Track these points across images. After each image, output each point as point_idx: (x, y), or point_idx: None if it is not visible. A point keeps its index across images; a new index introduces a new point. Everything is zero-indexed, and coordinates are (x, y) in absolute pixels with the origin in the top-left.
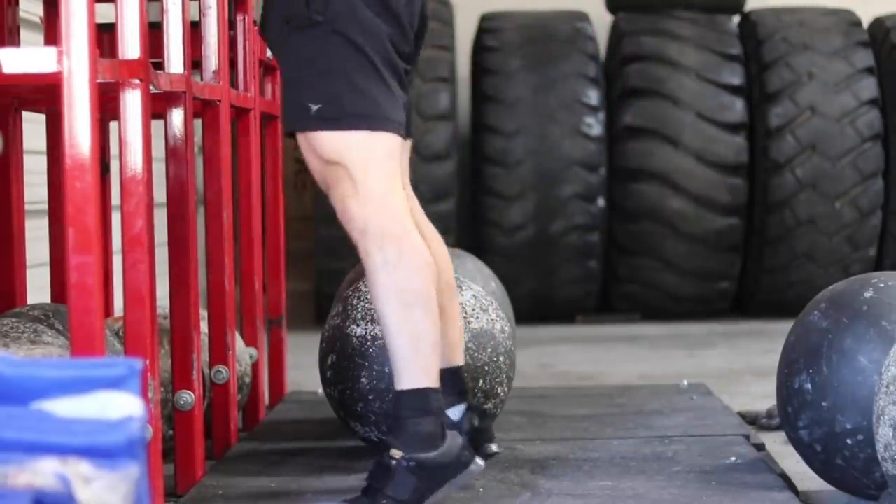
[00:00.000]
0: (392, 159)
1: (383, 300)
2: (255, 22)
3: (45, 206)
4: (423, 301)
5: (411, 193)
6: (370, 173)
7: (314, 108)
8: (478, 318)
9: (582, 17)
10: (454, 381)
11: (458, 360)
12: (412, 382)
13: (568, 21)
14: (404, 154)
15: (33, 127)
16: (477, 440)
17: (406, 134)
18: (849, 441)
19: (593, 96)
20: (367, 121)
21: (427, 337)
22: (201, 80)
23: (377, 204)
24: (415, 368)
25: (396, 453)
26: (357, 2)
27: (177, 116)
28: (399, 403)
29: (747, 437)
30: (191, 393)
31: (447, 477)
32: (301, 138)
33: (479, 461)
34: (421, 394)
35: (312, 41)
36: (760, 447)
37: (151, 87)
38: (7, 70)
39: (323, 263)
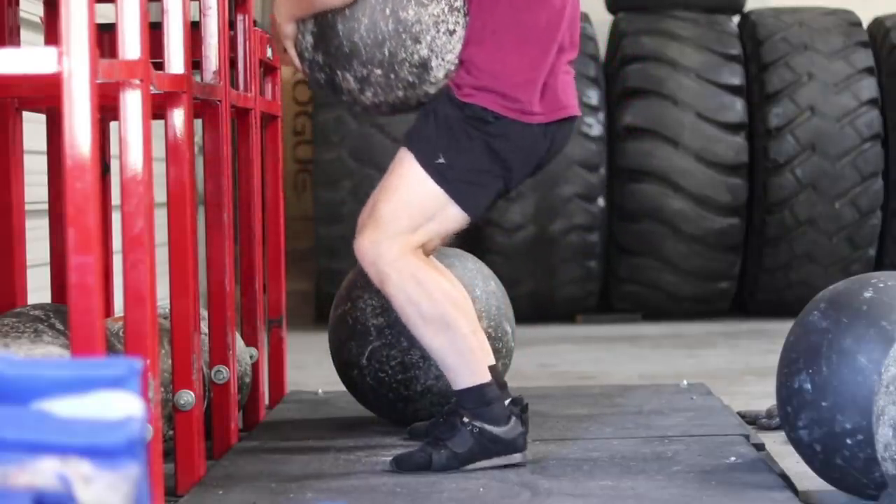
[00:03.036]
0: (436, 234)
1: (415, 329)
2: (254, 22)
3: (45, 206)
4: (448, 324)
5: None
6: (417, 237)
7: (442, 159)
8: None
9: (582, 17)
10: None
11: (490, 360)
12: (464, 382)
13: None
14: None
15: (33, 127)
16: None
17: None
18: (848, 441)
19: (593, 96)
20: (463, 198)
21: (463, 350)
22: (201, 80)
23: (395, 254)
24: (465, 373)
25: (466, 417)
26: (528, 126)
27: (177, 116)
28: (461, 400)
29: (747, 437)
30: (191, 393)
31: (499, 452)
32: (405, 158)
33: (528, 455)
34: (475, 389)
35: (473, 137)
36: (760, 447)
37: (151, 87)
38: (7, 70)
39: (323, 263)
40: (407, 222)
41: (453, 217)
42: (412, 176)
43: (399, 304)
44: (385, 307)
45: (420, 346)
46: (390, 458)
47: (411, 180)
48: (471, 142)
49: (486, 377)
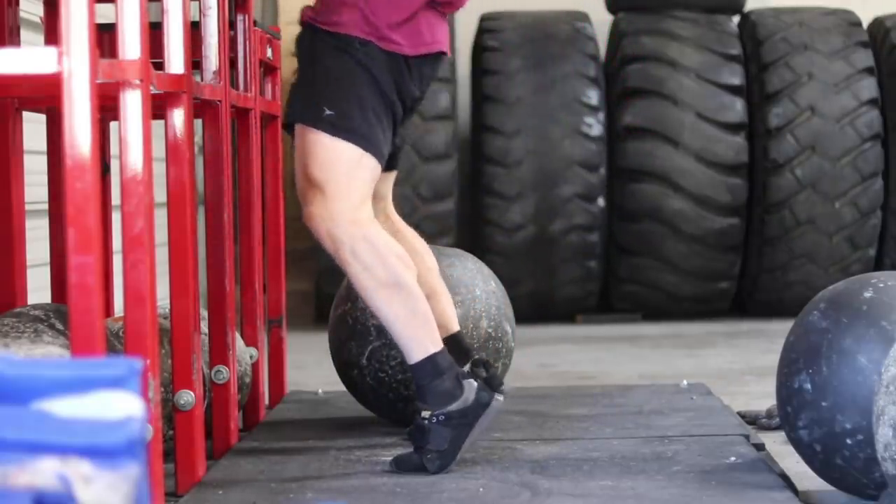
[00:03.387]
0: (369, 184)
1: (371, 297)
2: (254, 22)
3: (45, 206)
4: (402, 286)
5: (392, 213)
6: (347, 191)
7: (327, 112)
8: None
9: (582, 17)
10: (456, 345)
11: (454, 327)
12: (419, 354)
13: (568, 21)
14: (387, 183)
15: (33, 127)
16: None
17: (391, 167)
18: (848, 441)
19: (593, 96)
20: (365, 142)
21: (416, 313)
22: (201, 80)
23: (346, 221)
24: (416, 342)
25: (426, 413)
26: (393, 56)
27: (177, 116)
28: (416, 375)
29: (747, 437)
30: (191, 393)
31: (474, 419)
32: (302, 132)
33: (499, 397)
34: (429, 360)
35: (342, 62)
36: (760, 447)
37: (151, 88)
38: (7, 70)
39: (323, 263)
40: (345, 181)
41: (365, 166)
42: (318, 142)
43: (353, 272)
44: None
45: None
46: (390, 458)
47: (320, 146)
48: (344, 68)
49: (439, 345)
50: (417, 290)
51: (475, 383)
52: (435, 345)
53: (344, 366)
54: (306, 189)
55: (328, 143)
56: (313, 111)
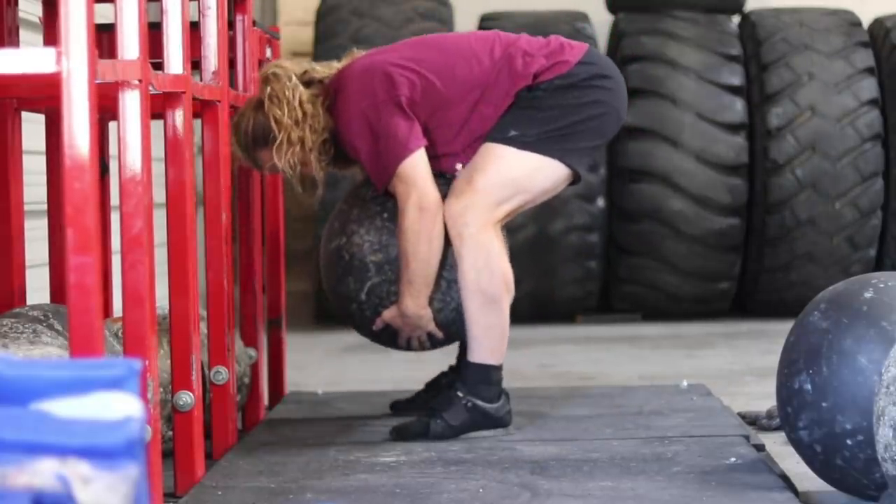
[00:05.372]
0: (523, 208)
1: (467, 296)
2: (254, 22)
3: (45, 207)
4: (496, 302)
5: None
6: (503, 210)
7: (514, 132)
8: None
9: (582, 17)
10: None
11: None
12: (481, 357)
13: (568, 21)
14: None
15: (33, 127)
16: None
17: None
18: (849, 441)
19: None
20: (563, 158)
21: (498, 327)
22: (201, 80)
23: (483, 228)
24: (485, 347)
25: (461, 393)
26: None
27: (176, 117)
28: (469, 372)
29: (747, 438)
30: (190, 393)
31: (488, 425)
32: (485, 147)
33: (510, 428)
34: (487, 368)
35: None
36: (760, 448)
37: (151, 88)
38: (6, 70)
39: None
40: (498, 194)
41: (548, 179)
42: (500, 153)
43: (464, 268)
44: (383, 244)
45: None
46: (390, 458)
47: (500, 156)
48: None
49: (501, 361)
50: (507, 311)
51: (508, 406)
52: (498, 359)
53: (342, 299)
54: (464, 186)
55: (510, 159)
56: (502, 131)
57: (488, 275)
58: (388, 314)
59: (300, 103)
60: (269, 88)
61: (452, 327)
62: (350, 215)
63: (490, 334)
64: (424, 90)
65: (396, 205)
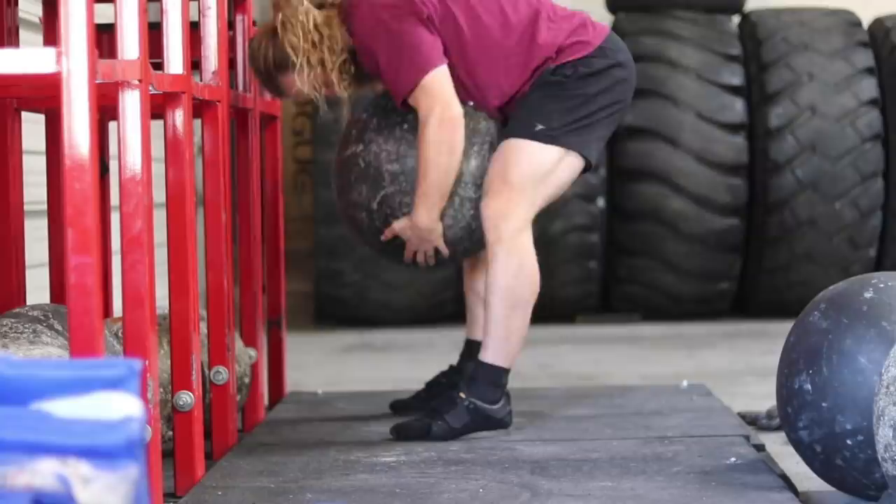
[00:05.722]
0: (556, 195)
1: (494, 292)
2: (254, 22)
3: (45, 207)
4: (522, 305)
5: None
6: (539, 202)
7: (540, 126)
8: None
9: None
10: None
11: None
12: (493, 359)
13: None
14: None
15: (33, 127)
16: None
17: None
18: (849, 442)
19: None
20: (580, 149)
21: (518, 330)
22: (201, 80)
23: (521, 229)
24: (500, 349)
25: (463, 395)
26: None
27: (176, 117)
28: (479, 371)
29: (747, 438)
30: (190, 394)
31: (489, 427)
32: (509, 142)
33: (510, 428)
34: (496, 369)
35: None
36: (760, 448)
37: (151, 88)
38: (6, 70)
39: (323, 263)
40: (533, 190)
41: (567, 172)
42: (527, 149)
43: (495, 267)
44: (401, 154)
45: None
46: (390, 458)
47: (529, 151)
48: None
49: (511, 365)
50: (528, 315)
51: (509, 407)
52: (510, 363)
53: (350, 206)
54: (499, 184)
55: (537, 153)
56: (527, 126)
57: (522, 279)
58: (399, 225)
59: (315, 26)
60: (280, 15)
61: (459, 246)
62: (369, 124)
63: (511, 338)
64: (444, 18)
65: (417, 117)
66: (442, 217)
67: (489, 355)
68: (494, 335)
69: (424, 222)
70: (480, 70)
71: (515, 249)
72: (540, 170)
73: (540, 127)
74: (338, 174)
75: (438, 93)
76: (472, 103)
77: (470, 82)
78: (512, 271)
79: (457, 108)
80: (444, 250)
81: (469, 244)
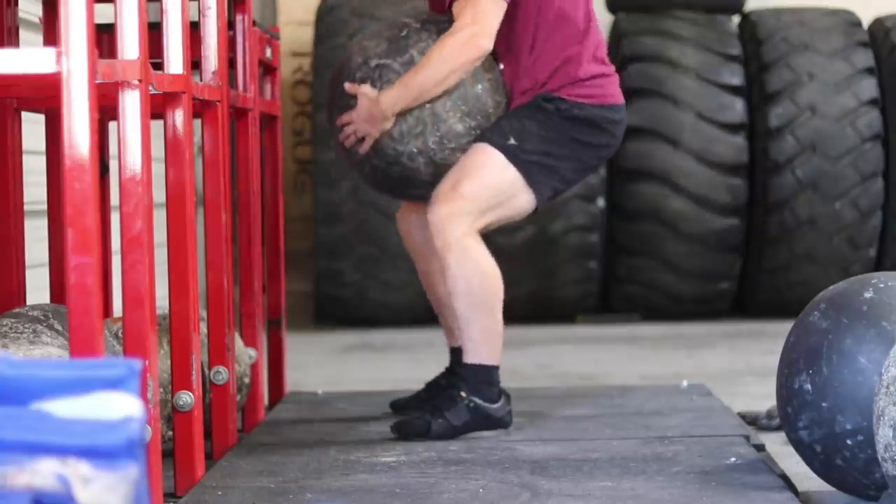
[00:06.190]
0: (502, 222)
1: (457, 301)
2: (254, 22)
3: (45, 207)
4: (494, 300)
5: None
6: (486, 219)
7: (513, 140)
8: None
9: None
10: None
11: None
12: (477, 358)
13: None
14: None
15: (33, 127)
16: None
17: None
18: (849, 441)
19: None
20: (535, 187)
21: (492, 328)
22: (201, 80)
23: (467, 233)
24: (484, 350)
25: (463, 393)
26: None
27: (176, 117)
28: (467, 373)
29: (747, 438)
30: (190, 394)
31: (489, 426)
32: (481, 146)
33: (510, 428)
34: (483, 368)
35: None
36: (760, 448)
37: (151, 88)
38: (6, 70)
39: (323, 263)
40: (483, 203)
41: (522, 204)
42: (490, 160)
43: (452, 274)
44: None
45: None
46: (390, 458)
47: (491, 164)
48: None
49: (497, 361)
50: (500, 311)
51: (509, 406)
52: (496, 360)
53: (334, 83)
54: (447, 192)
55: (499, 171)
56: (500, 136)
57: (480, 278)
58: (362, 93)
59: None
60: None
61: (389, 169)
62: (377, 37)
63: (487, 336)
64: None
65: (422, 47)
66: (402, 130)
67: (471, 357)
68: (469, 337)
69: (386, 104)
70: (533, 47)
71: (465, 253)
72: (493, 190)
73: (513, 142)
74: (335, 66)
75: (483, 17)
76: (502, 67)
77: (523, 50)
78: (467, 275)
79: (488, 42)
80: (378, 156)
81: (400, 169)
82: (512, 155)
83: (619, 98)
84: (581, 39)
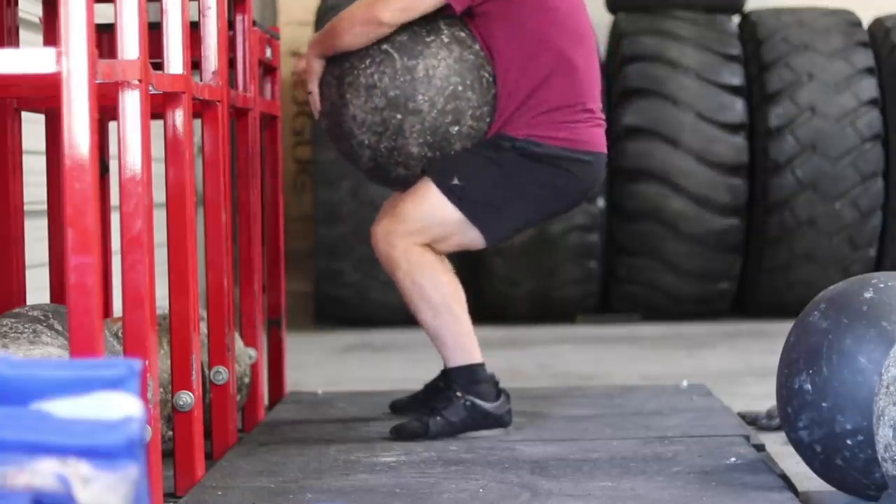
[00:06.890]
0: (452, 249)
1: (420, 312)
2: (254, 22)
3: (45, 207)
4: (450, 311)
5: None
6: (424, 239)
7: (457, 181)
8: None
9: None
10: None
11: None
12: (459, 360)
13: None
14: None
15: (33, 127)
16: None
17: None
18: (849, 442)
19: None
20: (483, 227)
21: (461, 331)
22: (201, 80)
23: (409, 248)
24: (459, 352)
25: (459, 392)
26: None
27: (176, 117)
28: (455, 377)
29: (747, 438)
30: (190, 394)
31: (487, 425)
32: (424, 183)
33: (510, 428)
34: (468, 368)
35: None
36: (760, 448)
37: (151, 88)
38: (6, 70)
39: (323, 264)
40: (421, 229)
41: (473, 238)
42: (434, 197)
43: (405, 288)
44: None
45: None
46: (390, 458)
47: (433, 200)
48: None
49: (478, 358)
50: (464, 312)
51: (508, 405)
52: (477, 357)
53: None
54: (388, 210)
55: (440, 208)
56: (446, 175)
57: (430, 283)
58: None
59: None
60: None
61: (338, 141)
62: (406, 27)
63: (459, 339)
64: None
65: (432, 63)
66: (350, 90)
67: (451, 362)
68: (443, 342)
69: (311, 50)
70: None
71: (411, 262)
72: (435, 223)
73: (456, 182)
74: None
75: None
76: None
77: (503, 80)
78: (417, 286)
79: (385, 15)
80: (316, 103)
81: (347, 147)
82: (455, 196)
83: (595, 146)
84: (567, 77)
